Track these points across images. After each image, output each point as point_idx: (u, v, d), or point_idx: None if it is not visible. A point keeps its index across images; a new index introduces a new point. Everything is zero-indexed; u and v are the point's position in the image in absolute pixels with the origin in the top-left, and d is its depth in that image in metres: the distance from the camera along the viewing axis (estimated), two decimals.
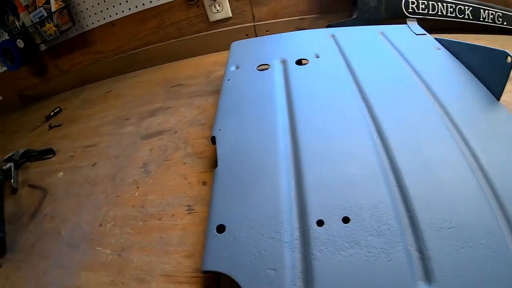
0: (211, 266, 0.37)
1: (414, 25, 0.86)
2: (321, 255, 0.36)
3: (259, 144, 0.52)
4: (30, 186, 0.69)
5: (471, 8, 1.07)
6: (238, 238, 0.39)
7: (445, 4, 1.05)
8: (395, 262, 0.36)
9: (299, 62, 0.73)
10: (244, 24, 1.08)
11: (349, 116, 0.55)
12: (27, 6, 1.13)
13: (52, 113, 1.00)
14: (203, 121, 0.67)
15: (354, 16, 1.02)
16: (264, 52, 0.77)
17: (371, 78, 0.64)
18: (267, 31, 1.07)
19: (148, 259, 0.44)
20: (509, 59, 0.53)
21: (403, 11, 1.03)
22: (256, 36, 1.08)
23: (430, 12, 1.05)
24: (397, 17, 1.01)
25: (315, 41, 0.80)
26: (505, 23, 1.10)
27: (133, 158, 0.64)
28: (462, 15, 1.07)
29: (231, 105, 0.62)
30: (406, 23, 0.88)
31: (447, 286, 0.34)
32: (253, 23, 1.08)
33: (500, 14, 1.09)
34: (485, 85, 0.60)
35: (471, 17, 1.08)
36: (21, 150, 0.77)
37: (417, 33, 0.82)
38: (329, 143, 0.50)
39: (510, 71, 0.54)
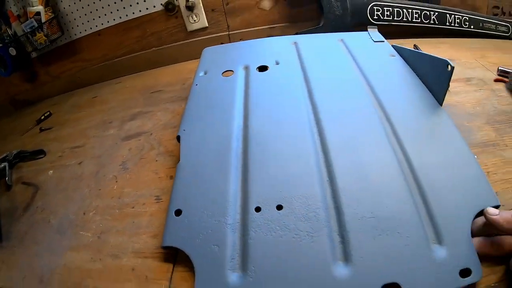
0: (169, 243, 0.47)
1: (374, 32, 0.93)
2: (256, 235, 0.45)
3: (216, 143, 0.61)
4: (23, 183, 0.76)
5: (436, 13, 1.12)
6: (192, 220, 0.49)
7: (410, 10, 1.10)
8: (318, 244, 0.44)
9: (262, 68, 0.80)
10: (219, 33, 1.17)
11: (296, 118, 0.64)
12: (18, 16, 1.19)
13: (42, 117, 1.06)
14: (175, 124, 0.76)
15: (321, 24, 1.08)
16: (230, 59, 0.86)
17: (322, 83, 0.72)
18: (240, 39, 1.15)
19: (121, 240, 0.53)
20: (449, 67, 0.59)
21: (368, 18, 1.07)
22: None
23: (395, 19, 1.09)
24: (363, 24, 1.05)
25: (278, 48, 0.88)
26: (472, 27, 1.15)
27: (114, 157, 0.73)
28: (428, 20, 1.12)
29: (196, 109, 0.71)
30: (372, 26, 0.95)
31: (362, 266, 0.41)
32: (227, 32, 1.16)
33: (467, 18, 1.14)
34: (430, 91, 0.67)
35: (437, 22, 1.12)
36: (14, 151, 0.82)
37: (375, 40, 0.88)
38: (275, 143, 0.59)
39: (450, 78, 0.60)
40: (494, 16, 1.23)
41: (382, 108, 0.64)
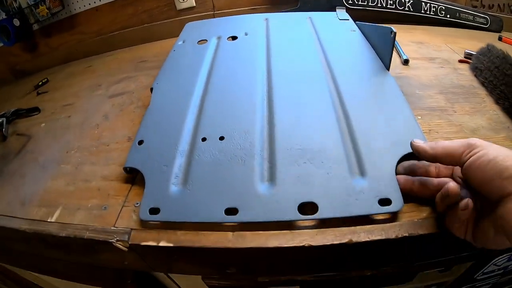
0: (130, 164, 0.56)
1: (341, 12, 1.02)
2: (199, 158, 0.55)
3: (181, 93, 0.71)
4: (18, 134, 0.84)
5: (411, 1, 1.14)
6: (150, 148, 0.59)
7: None
8: (248, 167, 0.53)
9: (232, 38, 0.90)
10: (205, 12, 1.25)
11: (252, 75, 0.74)
12: None
13: (40, 83, 1.14)
14: None
15: (297, 7, 1.14)
16: (207, 31, 0.96)
17: (281, 50, 0.82)
18: None
19: (94, 169, 0.63)
20: (392, 33, 0.65)
21: (343, 2, 1.12)
22: None
23: (370, 4, 1.14)
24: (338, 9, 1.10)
25: (251, 23, 0.97)
26: (448, 16, 1.17)
27: (98, 111, 0.81)
28: (402, 7, 1.15)
29: (170, 68, 0.81)
30: (341, 7, 1.04)
31: (283, 186, 0.49)
32: (213, 12, 1.25)
33: (443, 8, 1.16)
34: (380, 58, 0.74)
35: (411, 9, 1.15)
36: (12, 109, 0.91)
37: (340, 18, 0.96)
38: (229, 92, 0.70)
39: (393, 43, 0.66)
40: (473, 8, 1.24)
41: (331, 71, 0.72)
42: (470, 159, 0.39)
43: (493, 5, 1.24)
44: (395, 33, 0.65)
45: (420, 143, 0.46)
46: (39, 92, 1.08)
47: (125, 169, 0.57)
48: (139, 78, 0.93)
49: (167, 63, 0.83)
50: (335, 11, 1.03)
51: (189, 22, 1.02)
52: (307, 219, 0.46)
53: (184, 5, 1.24)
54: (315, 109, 0.62)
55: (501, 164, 0.35)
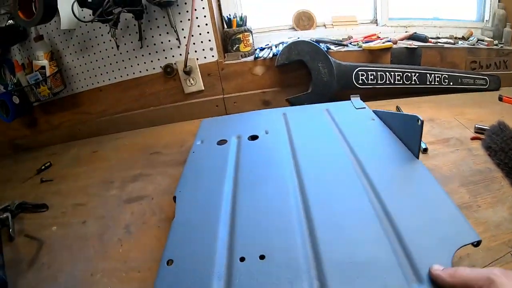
0: None
1: (356, 100, 1.04)
2: (239, 282, 0.50)
3: (207, 203, 0.69)
4: (26, 236, 0.80)
5: (417, 74, 1.22)
6: (181, 269, 0.54)
7: (392, 73, 1.21)
8: None
9: (253, 138, 0.90)
10: (214, 96, 1.26)
11: (281, 179, 0.72)
12: (23, 65, 1.27)
13: (43, 167, 1.12)
14: (174, 190, 0.84)
15: (309, 90, 1.18)
16: (225, 129, 0.96)
17: (306, 147, 0.81)
18: (234, 103, 1.26)
19: None
20: (419, 122, 0.67)
21: (354, 83, 1.19)
22: (225, 107, 1.27)
23: (379, 82, 1.21)
24: (348, 89, 1.17)
25: (269, 119, 0.98)
26: (451, 83, 1.25)
27: (117, 220, 0.79)
28: (409, 81, 1.22)
29: (192, 173, 0.79)
30: (354, 95, 1.06)
31: None
32: (222, 96, 1.26)
33: (446, 76, 1.25)
34: (406, 146, 0.75)
35: (418, 82, 1.23)
36: (16, 202, 0.87)
37: (357, 107, 0.99)
38: (260, 201, 0.67)
39: (421, 132, 0.67)
40: (472, 71, 1.35)
41: (360, 165, 0.72)
42: None
43: (490, 64, 1.37)
44: (422, 122, 0.67)
45: (438, 271, 0.44)
46: (43, 179, 1.05)
47: None
48: (155, 178, 0.91)
49: (188, 167, 0.81)
50: (347, 92, 1.07)
51: (205, 119, 1.03)
52: None
53: (193, 88, 1.25)
54: (352, 209, 0.61)
55: None
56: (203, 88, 1.26)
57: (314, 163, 0.76)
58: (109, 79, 1.27)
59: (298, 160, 0.78)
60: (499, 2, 1.47)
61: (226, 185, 0.74)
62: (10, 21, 1.24)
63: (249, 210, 0.66)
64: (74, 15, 1.05)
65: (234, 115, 1.05)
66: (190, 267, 0.55)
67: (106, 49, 1.24)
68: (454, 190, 0.72)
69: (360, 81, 1.20)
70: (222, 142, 0.91)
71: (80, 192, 0.93)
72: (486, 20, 1.54)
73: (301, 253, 0.54)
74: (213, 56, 1.22)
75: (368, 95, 1.06)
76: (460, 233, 0.50)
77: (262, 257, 0.54)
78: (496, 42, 1.43)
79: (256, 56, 1.24)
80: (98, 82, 1.29)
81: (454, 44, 1.37)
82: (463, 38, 1.48)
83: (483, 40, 1.44)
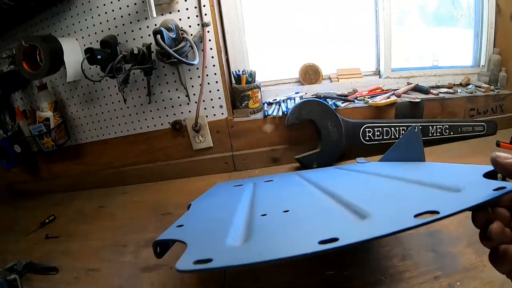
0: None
1: (361, 160, 1.10)
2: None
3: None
4: None
5: (420, 127, 1.23)
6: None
7: (397, 128, 1.23)
8: None
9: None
10: (223, 153, 1.25)
11: None
12: (25, 112, 1.26)
13: (47, 220, 1.08)
14: None
15: (318, 149, 1.18)
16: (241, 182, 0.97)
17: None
18: (243, 160, 1.25)
19: None
20: (416, 128, 0.75)
21: (361, 140, 1.21)
22: (234, 164, 1.26)
23: (384, 137, 1.23)
24: (356, 146, 1.20)
25: (285, 178, 0.97)
26: (451, 133, 1.29)
27: None
28: None
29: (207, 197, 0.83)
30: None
31: None
32: (231, 153, 1.25)
33: (447, 126, 1.29)
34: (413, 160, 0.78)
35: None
36: (23, 262, 0.82)
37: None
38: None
39: (421, 136, 0.74)
40: (471, 118, 1.40)
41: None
42: None
43: (487, 110, 1.42)
44: (420, 128, 0.77)
45: (509, 158, 0.38)
46: (49, 235, 1.01)
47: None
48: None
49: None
50: (355, 149, 1.13)
51: (219, 183, 1.04)
52: None
53: (201, 145, 1.24)
54: None
55: None
56: (212, 145, 1.25)
57: None
58: (115, 132, 1.26)
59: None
60: (494, 47, 1.53)
61: (240, 208, 0.70)
62: (12, 66, 1.22)
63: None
64: (84, 74, 1.04)
65: (249, 178, 1.07)
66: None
67: (113, 102, 1.23)
68: (462, 252, 0.71)
69: (367, 138, 1.22)
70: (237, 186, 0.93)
71: (92, 255, 0.90)
72: (482, 65, 1.60)
73: None
74: (222, 113, 1.22)
75: (374, 150, 1.09)
76: None
77: None
78: (492, 87, 1.47)
79: (266, 114, 1.24)
80: (103, 135, 1.27)
81: (454, 93, 1.41)
82: (461, 85, 1.53)
83: (480, 87, 1.48)
